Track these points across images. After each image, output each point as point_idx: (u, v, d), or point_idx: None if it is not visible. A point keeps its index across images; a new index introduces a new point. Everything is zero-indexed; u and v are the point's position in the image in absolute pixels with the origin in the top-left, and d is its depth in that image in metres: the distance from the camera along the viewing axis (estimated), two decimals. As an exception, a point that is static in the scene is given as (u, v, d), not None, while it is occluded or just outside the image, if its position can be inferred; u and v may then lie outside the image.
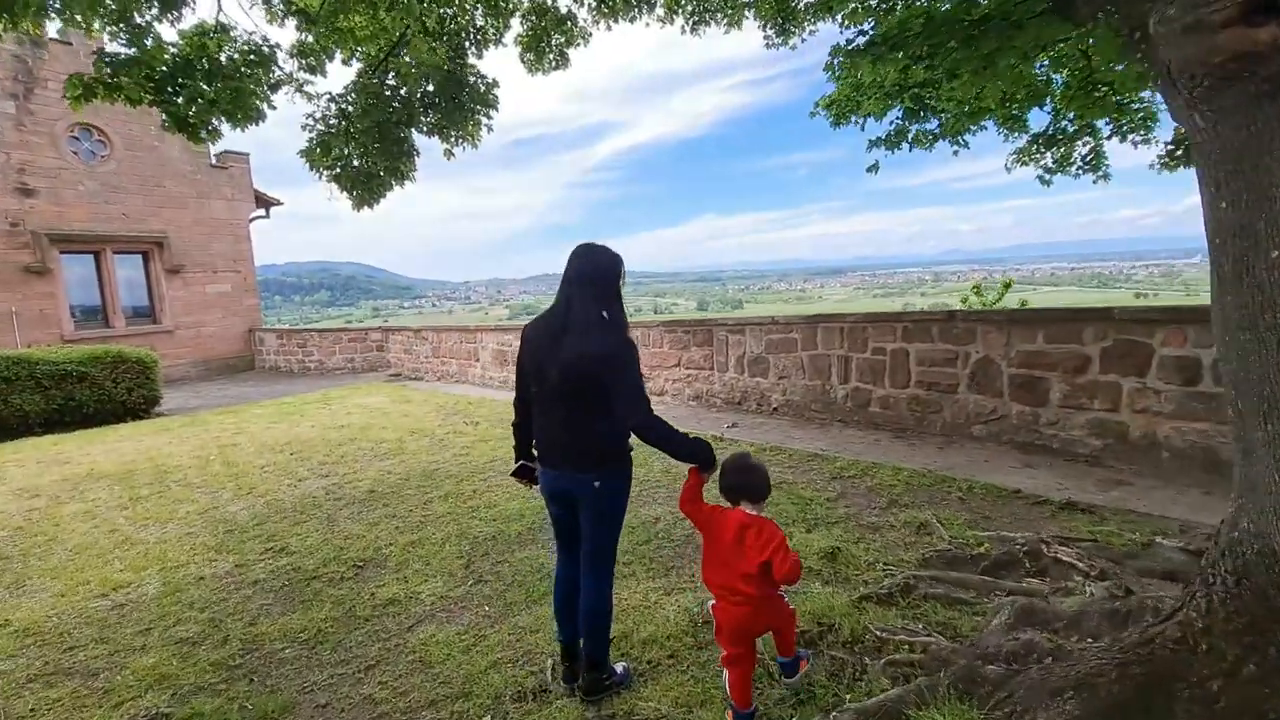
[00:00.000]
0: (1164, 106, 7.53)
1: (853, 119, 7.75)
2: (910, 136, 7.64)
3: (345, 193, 6.14)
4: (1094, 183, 7.82)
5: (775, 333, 7.82)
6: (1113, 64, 4.86)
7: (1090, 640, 2.32)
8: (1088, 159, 7.69)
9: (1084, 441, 5.38)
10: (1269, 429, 1.78)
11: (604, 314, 2.34)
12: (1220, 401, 4.60)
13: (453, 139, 6.37)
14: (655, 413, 2.31)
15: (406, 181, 6.37)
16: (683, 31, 7.60)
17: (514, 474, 2.65)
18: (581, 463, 2.34)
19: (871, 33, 5.47)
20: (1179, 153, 7.09)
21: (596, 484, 2.34)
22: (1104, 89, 7.40)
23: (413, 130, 5.84)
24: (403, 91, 5.45)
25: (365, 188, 5.99)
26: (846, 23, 6.91)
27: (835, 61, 6.03)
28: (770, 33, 7.47)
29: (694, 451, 2.35)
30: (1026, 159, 8.38)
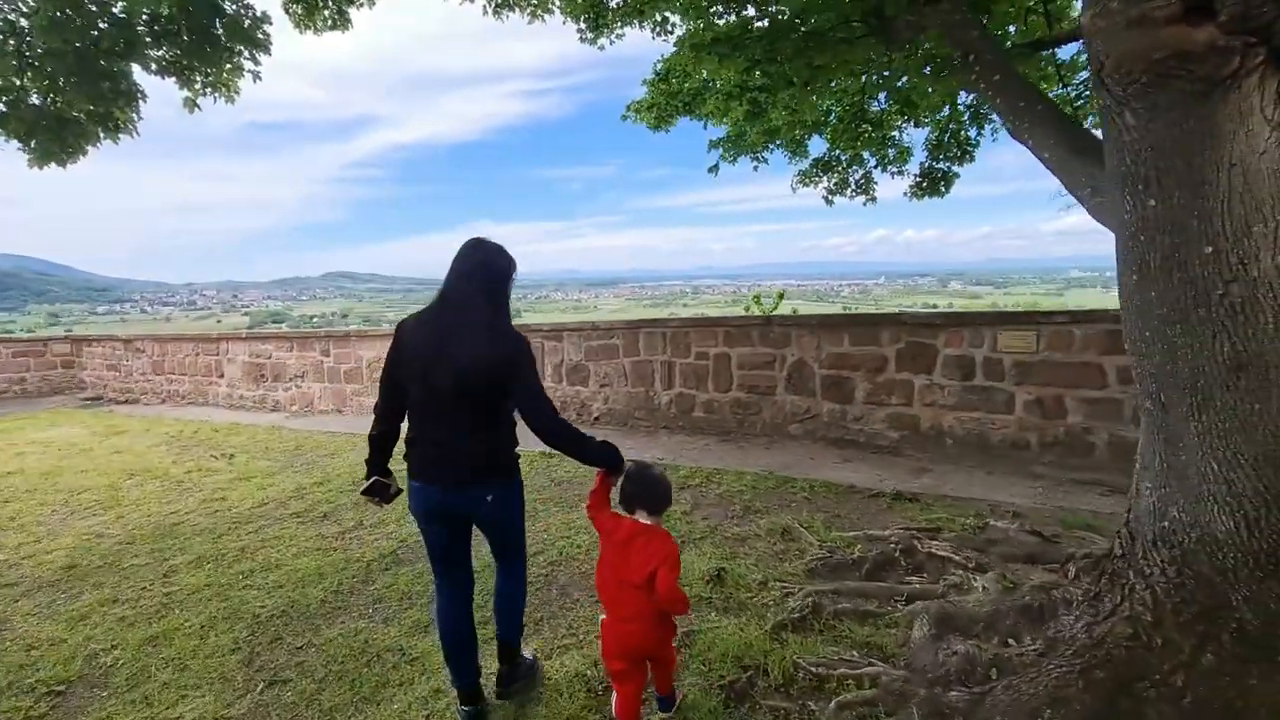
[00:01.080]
0: (920, 141, 9.07)
1: (678, 120, 7.82)
2: (749, 139, 7.90)
3: (17, 141, 4.22)
4: (864, 204, 8.91)
5: (596, 339, 7.48)
6: (926, 87, 5.40)
7: (1013, 641, 2.31)
8: (860, 184, 8.72)
9: (884, 434, 5.94)
10: (1203, 420, 1.85)
11: (499, 313, 2.22)
12: (989, 393, 5.36)
13: (198, 85, 4.78)
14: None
15: (123, 134, 4.60)
16: (485, 12, 6.93)
17: (366, 491, 2.31)
18: (475, 476, 2.18)
19: (701, 32, 5.42)
20: (925, 184, 8.37)
21: (489, 498, 2.21)
22: (867, 126, 8.49)
23: (134, 65, 4.22)
24: (118, 7, 3.87)
25: (53, 136, 4.16)
26: (659, 30, 6.90)
27: (674, 53, 5.92)
28: (583, 26, 7.15)
29: (603, 455, 2.26)
30: (808, 181, 9.26)
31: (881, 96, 7.85)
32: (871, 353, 5.93)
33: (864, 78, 7.14)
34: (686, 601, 2.03)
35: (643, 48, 11.86)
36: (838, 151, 8.85)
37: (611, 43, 7.29)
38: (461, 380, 2.07)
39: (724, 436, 6.68)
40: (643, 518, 2.08)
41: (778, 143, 8.42)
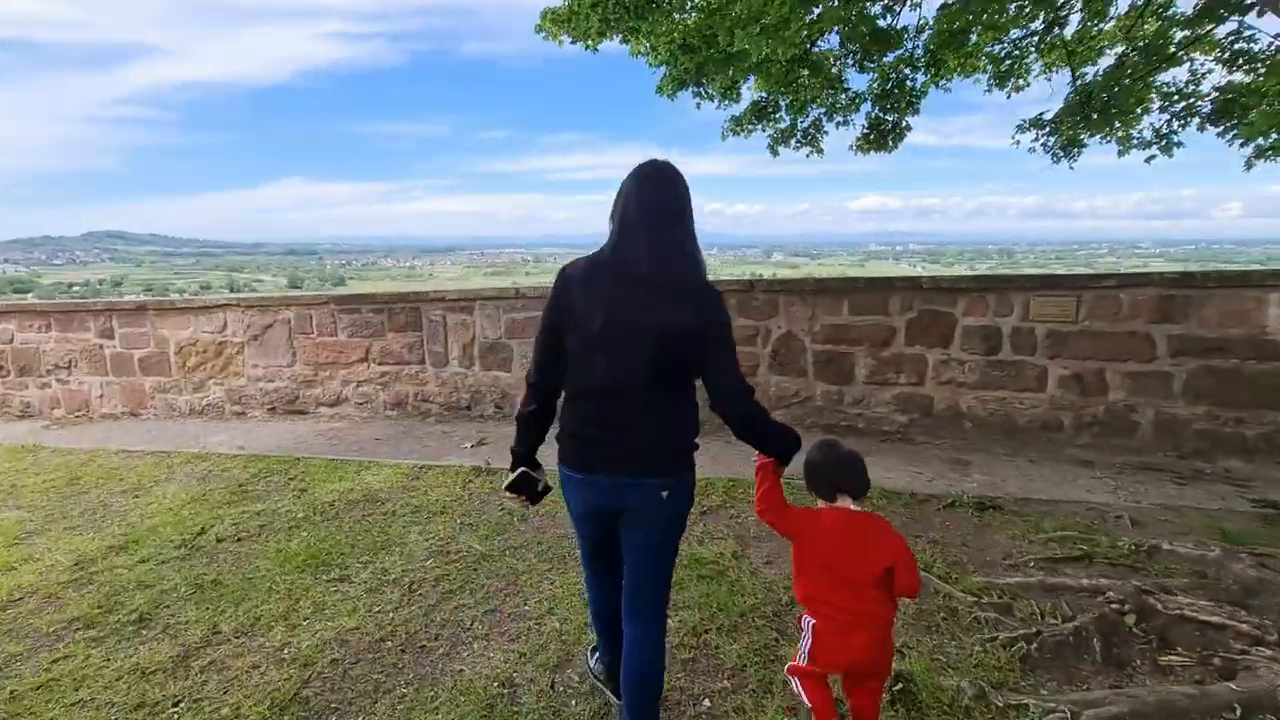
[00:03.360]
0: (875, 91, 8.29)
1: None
2: (680, 68, 6.50)
3: None
4: (807, 156, 8.04)
5: (521, 309, 5.81)
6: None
7: None
8: (806, 134, 7.81)
9: (889, 418, 5.10)
10: None
11: (697, 260, 1.72)
12: (1018, 369, 4.68)
13: None
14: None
15: None
16: None
17: (511, 487, 1.87)
18: (650, 464, 1.71)
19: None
20: (872, 136, 7.68)
21: (665, 493, 1.71)
22: (805, 71, 7.56)
23: None
24: None
25: None
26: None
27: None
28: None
29: (792, 439, 1.78)
30: (740, 128, 8.18)
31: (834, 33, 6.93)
32: (877, 323, 5.02)
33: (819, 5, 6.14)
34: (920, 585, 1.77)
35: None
36: (776, 97, 7.86)
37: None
38: (657, 348, 1.63)
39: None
40: (848, 504, 1.76)
41: (708, 81, 7.20)
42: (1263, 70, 6.03)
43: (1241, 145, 6.34)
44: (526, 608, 2.78)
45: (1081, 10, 7.12)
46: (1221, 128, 6.19)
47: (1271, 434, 4.12)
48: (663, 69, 7.32)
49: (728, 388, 1.68)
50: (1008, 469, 4.26)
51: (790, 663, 1.87)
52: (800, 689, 1.82)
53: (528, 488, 1.87)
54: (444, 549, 3.34)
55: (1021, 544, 3.16)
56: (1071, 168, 7.48)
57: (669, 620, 2.25)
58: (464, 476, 4.35)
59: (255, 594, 2.97)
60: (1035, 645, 2.20)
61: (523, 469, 1.86)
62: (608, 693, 2.12)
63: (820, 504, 1.79)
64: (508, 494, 1.88)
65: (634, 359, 1.63)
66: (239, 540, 3.55)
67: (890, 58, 7.31)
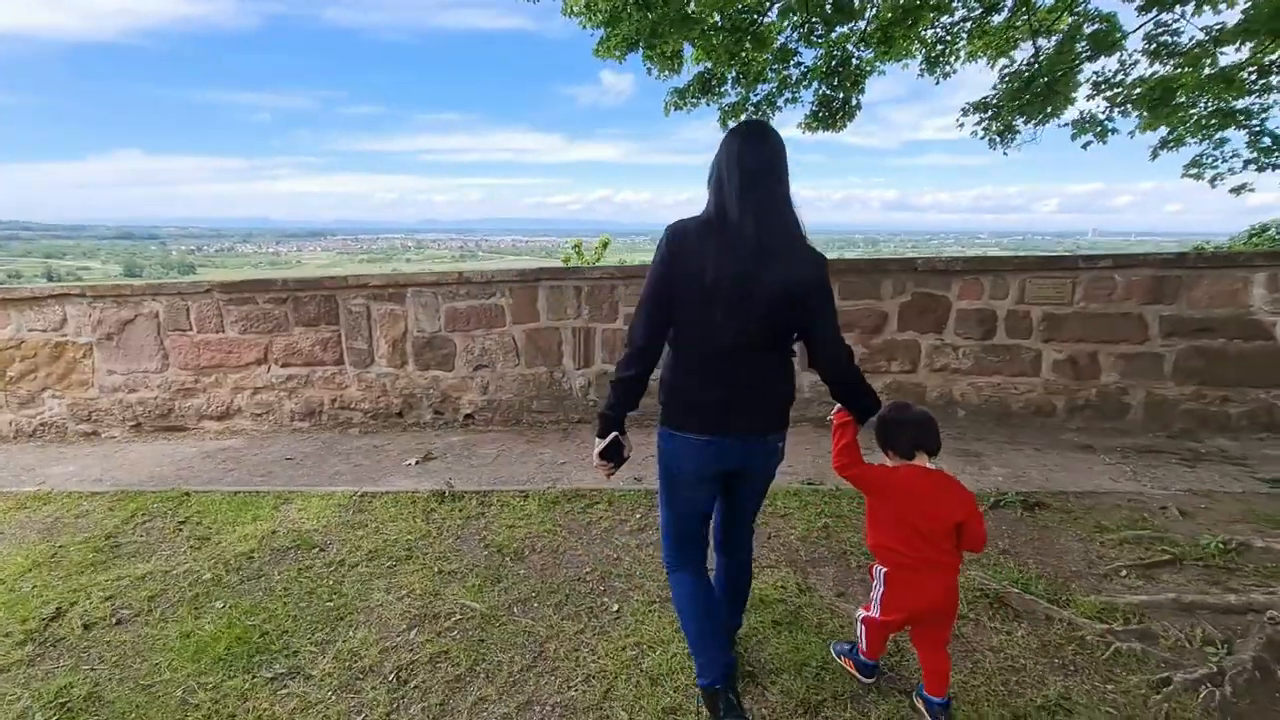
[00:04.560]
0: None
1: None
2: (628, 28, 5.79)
3: None
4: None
5: (464, 297, 4.93)
6: None
7: None
8: (759, 108, 7.40)
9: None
10: None
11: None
12: (1013, 353, 4.54)
13: None
14: None
15: None
16: None
17: (604, 453, 1.82)
18: (774, 422, 1.80)
19: None
20: (821, 114, 7.42)
21: (780, 445, 1.84)
22: (748, 43, 7.17)
23: None
24: None
25: None
26: None
27: None
28: None
29: (876, 405, 1.86)
30: (683, 103, 7.65)
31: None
32: (868, 308, 4.69)
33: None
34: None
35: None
36: (721, 69, 7.39)
37: None
38: (771, 308, 1.65)
39: (670, 427, 4.89)
40: (925, 461, 1.82)
41: (660, 43, 6.59)
42: (1183, 63, 6.37)
43: (1170, 134, 6.68)
44: (573, 693, 2.08)
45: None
46: (1150, 116, 6.47)
47: (1254, 411, 4.23)
48: (600, 31, 6.62)
49: (834, 348, 1.76)
50: (1019, 459, 4.07)
51: (863, 612, 1.97)
52: (864, 636, 1.97)
53: (617, 455, 1.82)
54: (428, 611, 2.54)
55: (1093, 547, 2.90)
56: (1005, 154, 7.66)
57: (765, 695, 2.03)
58: (422, 504, 3.50)
59: (158, 713, 2.04)
60: (1225, 688, 1.85)
61: (615, 434, 1.80)
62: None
63: (888, 461, 1.88)
64: (598, 462, 1.83)
65: (754, 319, 1.65)
66: (119, 624, 2.53)
67: (840, 31, 7.07)
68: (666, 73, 7.34)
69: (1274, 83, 6.40)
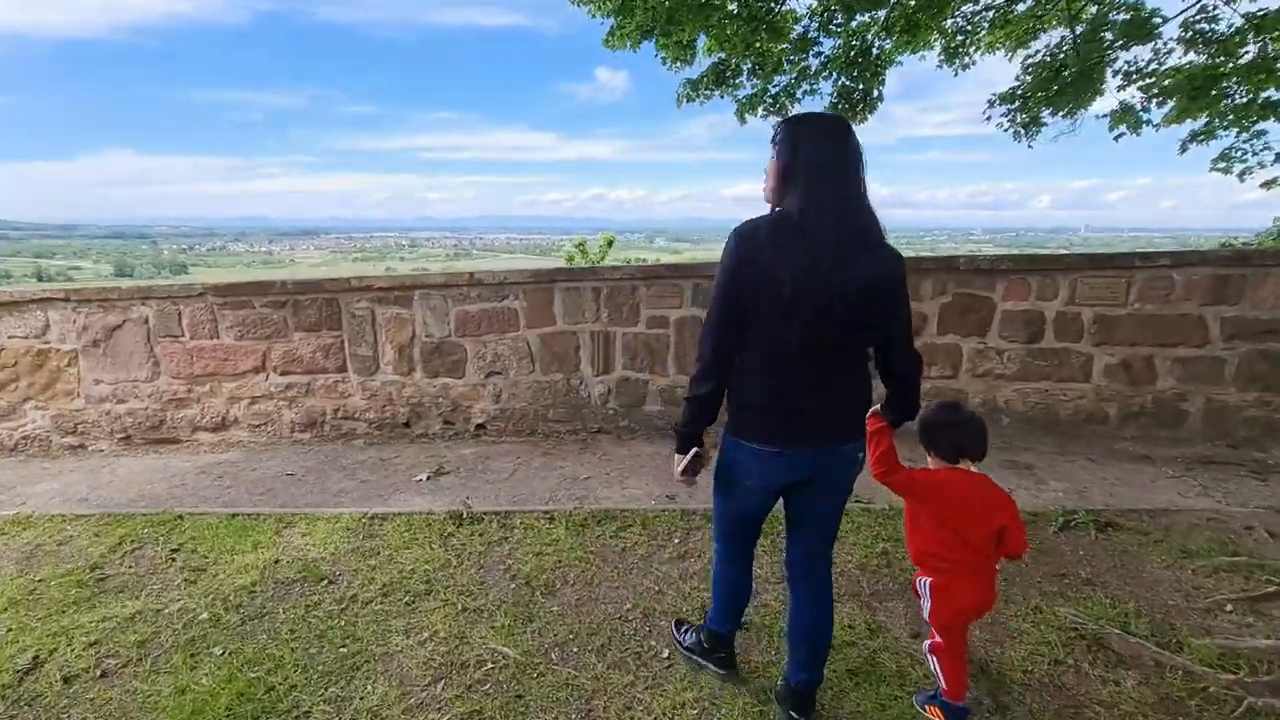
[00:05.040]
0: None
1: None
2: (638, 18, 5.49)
3: None
4: (763, 117, 7.32)
5: (475, 300, 4.63)
6: None
7: None
8: (777, 99, 7.12)
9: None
10: None
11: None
12: (1063, 357, 4.28)
13: None
14: None
15: None
16: None
17: (686, 470, 1.75)
18: (851, 430, 1.71)
19: None
20: (842, 106, 7.12)
21: (861, 455, 1.75)
22: (763, 31, 6.88)
23: None
24: None
25: None
26: None
27: None
28: None
29: (918, 406, 1.82)
30: (696, 94, 7.36)
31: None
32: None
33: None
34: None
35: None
36: (736, 60, 7.10)
37: None
38: (854, 311, 1.55)
39: (695, 437, 4.61)
40: (968, 465, 1.80)
41: (676, 30, 6.30)
42: (1218, 51, 6.12)
43: (1204, 126, 6.43)
44: (632, 763, 1.80)
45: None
46: (1192, 106, 6.21)
47: (1322, 419, 3.98)
48: (610, 20, 6.34)
49: (908, 349, 1.74)
50: (1076, 472, 3.80)
51: (929, 641, 1.94)
52: (939, 669, 1.89)
53: (697, 467, 1.76)
54: (454, 659, 2.25)
55: (1185, 575, 2.63)
56: (1030, 146, 7.40)
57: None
58: (438, 527, 3.21)
59: (152, 794, 1.75)
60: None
61: (697, 449, 1.74)
62: (710, 665, 2.11)
63: (930, 463, 1.85)
64: (681, 478, 1.77)
65: (833, 320, 1.57)
66: (103, 676, 2.24)
67: (861, 20, 6.79)
68: (679, 64, 7.06)
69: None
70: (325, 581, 2.78)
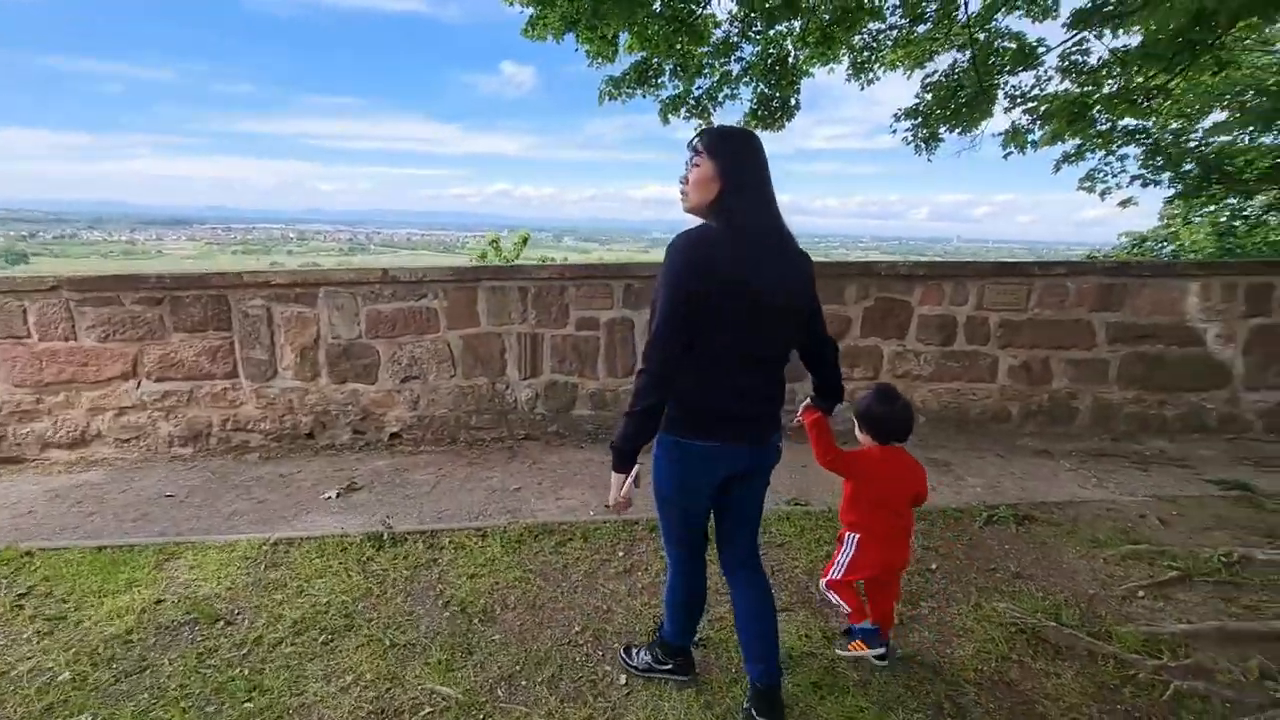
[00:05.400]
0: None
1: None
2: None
3: None
4: (697, 129, 7.36)
5: (389, 299, 4.27)
6: None
7: None
8: (700, 102, 7.12)
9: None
10: None
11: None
12: (972, 359, 4.54)
13: None
14: None
15: None
16: None
17: (628, 491, 1.69)
18: (778, 423, 1.79)
19: None
20: (761, 113, 7.25)
21: (780, 444, 1.84)
22: (684, 34, 6.90)
23: None
24: None
25: None
26: None
27: None
28: None
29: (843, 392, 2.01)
30: (618, 93, 7.26)
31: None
32: (832, 314, 4.50)
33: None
34: None
35: None
36: (659, 59, 7.07)
37: None
38: (796, 310, 1.71)
39: (626, 442, 4.50)
40: (894, 444, 2.06)
41: (602, 24, 6.17)
42: (1088, 81, 6.78)
43: (1075, 149, 7.08)
44: (601, 811, 1.64)
45: (936, 11, 7.44)
46: (1070, 130, 6.83)
47: (1186, 414, 4.45)
48: (529, 10, 6.11)
49: (827, 336, 1.90)
50: (987, 467, 4.03)
51: (825, 578, 2.15)
52: (838, 598, 2.13)
53: (635, 489, 1.70)
54: (386, 705, 2.00)
55: (1098, 564, 2.81)
56: (929, 160, 7.87)
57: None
58: (355, 551, 2.89)
59: None
60: None
61: (638, 467, 1.68)
62: (671, 677, 2.09)
63: (862, 442, 2.09)
64: (618, 501, 1.69)
65: (785, 322, 1.68)
66: (-72, 764, 1.80)
67: (778, 29, 6.95)
68: (601, 60, 6.92)
69: (1161, 106, 6.98)
70: (221, 622, 2.41)
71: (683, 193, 1.69)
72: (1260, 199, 7.79)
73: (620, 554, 2.90)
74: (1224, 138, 8.51)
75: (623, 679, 2.11)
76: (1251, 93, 7.50)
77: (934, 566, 2.81)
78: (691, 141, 1.69)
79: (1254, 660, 2.07)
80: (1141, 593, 2.56)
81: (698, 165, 1.65)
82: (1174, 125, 8.57)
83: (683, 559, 1.94)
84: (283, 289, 4.19)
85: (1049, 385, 4.51)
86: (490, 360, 4.42)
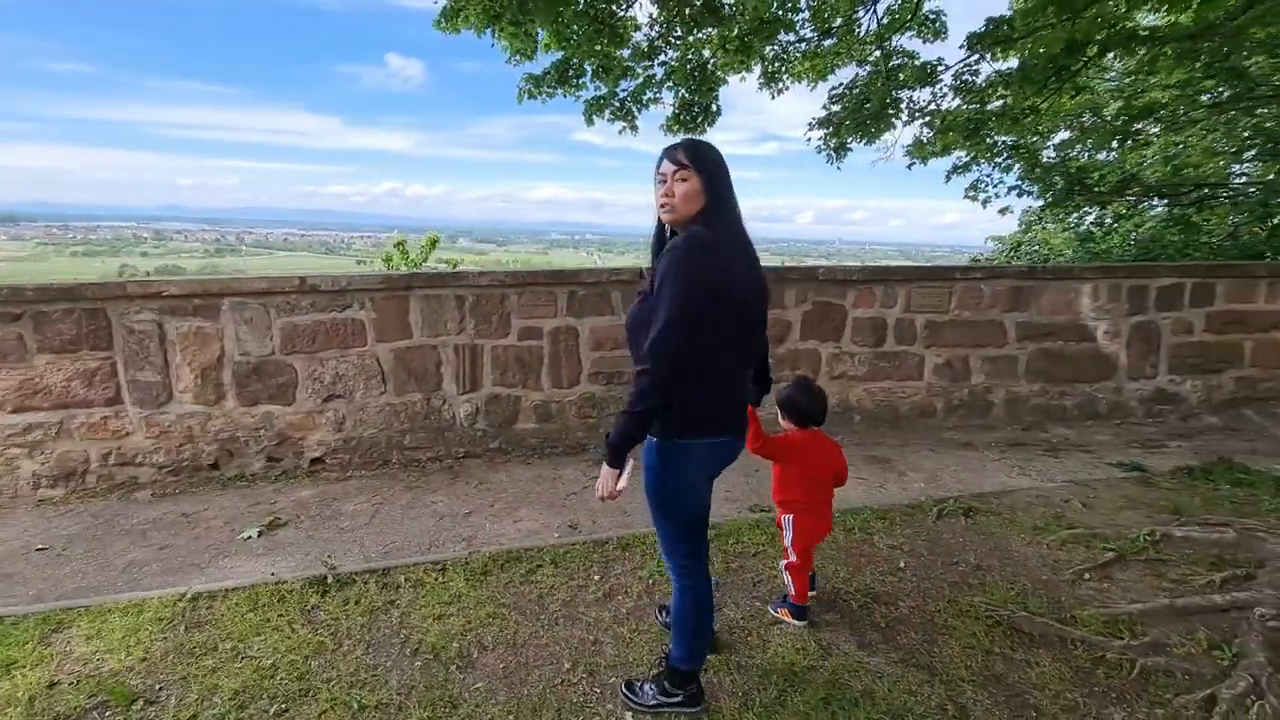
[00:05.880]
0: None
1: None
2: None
3: None
4: (620, 132, 7.25)
5: (308, 310, 3.85)
6: None
7: None
8: (624, 105, 7.02)
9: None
10: None
11: None
12: (901, 359, 4.78)
13: None
14: None
15: None
16: None
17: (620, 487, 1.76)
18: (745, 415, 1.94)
19: None
20: (682, 116, 7.28)
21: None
22: (605, 35, 6.83)
23: None
24: None
25: None
26: None
27: None
28: None
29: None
30: (538, 91, 7.03)
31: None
32: (775, 318, 4.59)
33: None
34: None
35: None
36: (580, 60, 6.93)
37: None
38: (758, 312, 1.86)
39: (572, 453, 4.35)
40: (812, 428, 2.36)
41: (527, 19, 5.94)
42: (974, 99, 7.38)
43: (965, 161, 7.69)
44: None
45: (840, 27, 7.83)
46: (967, 144, 7.39)
47: (1082, 403, 4.92)
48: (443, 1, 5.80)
49: (766, 345, 2.09)
50: (924, 462, 4.24)
51: (785, 561, 2.44)
52: (791, 581, 2.42)
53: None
54: (369, 781, 1.75)
55: (1043, 550, 3.01)
56: (838, 168, 8.26)
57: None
58: (296, 599, 2.56)
59: None
60: (1270, 699, 1.91)
61: (631, 461, 1.76)
62: (684, 710, 1.99)
63: (784, 427, 2.39)
64: (610, 493, 1.75)
65: (758, 326, 1.88)
66: None
67: (698, 36, 7.01)
68: (520, 57, 6.68)
69: (1032, 124, 7.76)
70: (140, 702, 2.03)
71: (665, 204, 1.74)
72: (1111, 208, 8.87)
73: (596, 578, 2.75)
74: (1073, 153, 9.70)
75: (629, 717, 1.98)
76: (1088, 114, 8.51)
77: (902, 565, 2.89)
78: (674, 155, 1.73)
79: (1200, 633, 2.28)
80: (1087, 575, 2.76)
81: (685, 180, 1.71)
82: (1033, 140, 9.62)
83: (688, 568, 1.92)
84: (177, 300, 3.66)
85: (969, 381, 4.84)
86: (425, 374, 4.10)
